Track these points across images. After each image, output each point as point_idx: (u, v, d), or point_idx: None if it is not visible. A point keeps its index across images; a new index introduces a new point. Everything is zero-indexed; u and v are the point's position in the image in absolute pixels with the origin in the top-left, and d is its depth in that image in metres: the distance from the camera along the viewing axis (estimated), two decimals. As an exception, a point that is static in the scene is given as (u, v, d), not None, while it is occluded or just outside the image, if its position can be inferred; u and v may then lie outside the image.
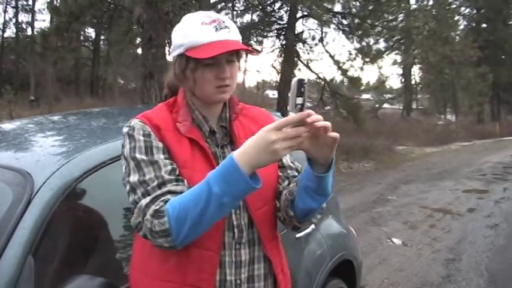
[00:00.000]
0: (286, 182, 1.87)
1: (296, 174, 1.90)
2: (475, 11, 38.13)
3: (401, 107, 41.47)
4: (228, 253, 1.73)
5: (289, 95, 1.53)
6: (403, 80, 41.37)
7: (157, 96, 11.26)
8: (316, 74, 22.44)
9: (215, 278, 1.70)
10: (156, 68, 11.42)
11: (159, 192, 1.60)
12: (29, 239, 1.79)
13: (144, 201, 1.59)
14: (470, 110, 37.23)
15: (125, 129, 1.71)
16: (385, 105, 38.16)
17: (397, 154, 19.20)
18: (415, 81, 43.39)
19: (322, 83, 22.78)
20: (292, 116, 1.48)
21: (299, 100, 1.50)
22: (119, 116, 3.50)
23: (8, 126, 3.27)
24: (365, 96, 31.24)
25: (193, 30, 1.68)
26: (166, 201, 1.57)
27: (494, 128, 32.82)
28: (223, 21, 1.70)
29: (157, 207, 1.56)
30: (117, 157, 2.26)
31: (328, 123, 1.52)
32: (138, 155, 1.65)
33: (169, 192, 1.60)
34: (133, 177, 1.63)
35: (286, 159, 1.93)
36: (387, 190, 11.20)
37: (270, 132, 1.48)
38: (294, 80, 1.50)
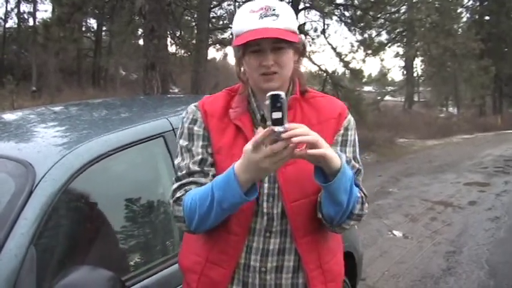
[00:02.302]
0: None
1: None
2: (478, 4, 37.96)
3: (403, 100, 41.40)
4: (257, 239, 1.77)
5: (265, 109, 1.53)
6: (405, 72, 41.26)
7: (159, 87, 11.26)
8: (318, 66, 22.40)
9: (236, 261, 1.79)
10: (158, 59, 11.40)
11: (185, 180, 1.76)
12: (31, 230, 1.80)
13: (174, 186, 1.78)
14: (472, 103, 37.16)
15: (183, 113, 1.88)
16: (387, 98, 38.10)
17: (399, 146, 19.19)
18: (417, 74, 43.24)
19: (324, 75, 22.73)
20: (259, 134, 1.48)
21: (276, 115, 1.46)
22: (120, 107, 3.51)
23: (9, 116, 3.27)
24: (367, 88, 31.16)
25: (240, 18, 1.72)
26: (188, 191, 1.73)
27: (496, 120, 32.75)
28: (274, 9, 1.69)
29: (180, 194, 1.74)
30: (119, 148, 2.27)
31: (307, 139, 1.51)
32: (181, 141, 1.83)
33: (194, 182, 1.75)
34: (176, 160, 1.83)
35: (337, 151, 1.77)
36: (388, 182, 11.20)
37: (251, 153, 1.50)
38: (268, 95, 1.47)
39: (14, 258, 1.73)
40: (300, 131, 1.49)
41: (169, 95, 10.97)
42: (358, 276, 3.97)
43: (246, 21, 1.70)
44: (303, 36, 1.82)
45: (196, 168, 1.76)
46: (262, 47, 1.68)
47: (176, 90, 25.09)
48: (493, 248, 6.49)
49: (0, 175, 2.03)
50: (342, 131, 1.83)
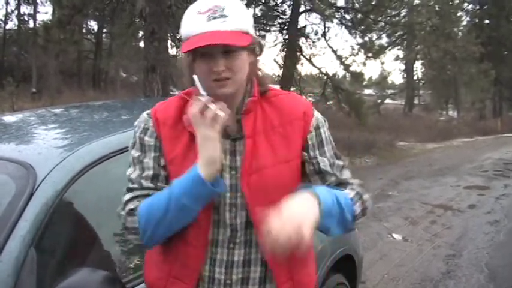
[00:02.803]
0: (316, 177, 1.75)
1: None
2: (478, 7, 38.01)
3: (403, 103, 41.41)
4: (220, 251, 1.69)
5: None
6: (405, 75, 41.35)
7: (159, 90, 11.27)
8: (319, 68, 22.49)
9: (198, 274, 1.70)
10: (158, 61, 11.42)
11: (139, 193, 1.66)
12: (31, 232, 1.80)
13: (126, 197, 1.67)
14: (472, 106, 37.19)
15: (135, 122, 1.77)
16: (387, 101, 38.16)
17: (399, 150, 19.18)
18: (418, 77, 43.27)
19: (325, 77, 22.78)
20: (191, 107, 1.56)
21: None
22: (120, 109, 3.51)
23: (10, 118, 3.28)
24: (367, 91, 31.27)
25: (187, 21, 1.59)
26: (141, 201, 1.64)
27: (495, 124, 32.75)
28: (223, 9, 1.55)
29: (133, 206, 1.64)
30: (119, 150, 2.27)
31: (286, 236, 1.42)
32: (132, 151, 1.72)
33: (148, 195, 1.65)
34: (128, 171, 1.71)
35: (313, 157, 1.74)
36: (388, 186, 11.19)
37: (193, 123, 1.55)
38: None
39: (15, 260, 1.73)
40: (279, 233, 1.41)
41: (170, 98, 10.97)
42: (358, 279, 3.97)
43: (193, 25, 1.57)
44: (255, 34, 1.67)
45: (149, 184, 1.67)
46: (211, 51, 1.55)
47: (177, 93, 25.07)
48: (492, 252, 6.49)
49: (1, 177, 2.03)
50: (313, 132, 1.72)
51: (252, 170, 1.65)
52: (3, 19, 33.19)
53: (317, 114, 1.75)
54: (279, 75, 21.91)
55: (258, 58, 1.71)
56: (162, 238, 1.66)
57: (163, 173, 1.69)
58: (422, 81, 43.31)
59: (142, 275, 2.21)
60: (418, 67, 42.26)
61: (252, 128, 1.68)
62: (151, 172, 1.68)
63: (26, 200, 1.86)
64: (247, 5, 22.81)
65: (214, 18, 1.54)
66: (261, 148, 1.66)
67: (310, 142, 1.72)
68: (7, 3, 33.06)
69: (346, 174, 1.78)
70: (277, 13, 22.62)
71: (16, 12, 33.66)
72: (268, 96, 1.74)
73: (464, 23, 36.43)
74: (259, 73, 1.75)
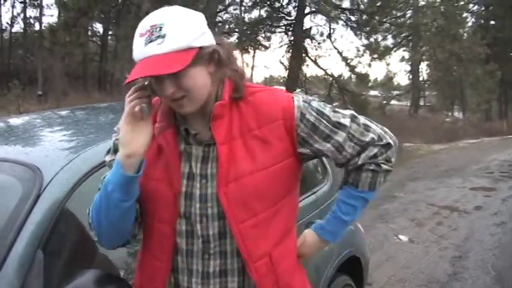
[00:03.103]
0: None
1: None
2: (483, 8, 37.96)
3: (408, 104, 41.34)
4: (196, 262, 1.65)
5: None
6: (410, 76, 41.26)
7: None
8: (324, 70, 22.49)
9: (165, 286, 1.69)
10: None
11: None
12: (38, 234, 1.80)
13: (95, 199, 1.65)
14: (478, 108, 37.08)
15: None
16: (393, 102, 38.12)
17: (405, 151, 19.11)
18: (423, 78, 43.21)
19: (330, 79, 22.78)
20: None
21: None
22: (126, 112, 3.51)
23: (16, 121, 3.29)
24: (373, 92, 31.26)
25: (133, 43, 1.51)
26: None
27: (501, 125, 32.68)
28: (160, 28, 1.45)
29: None
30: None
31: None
32: (106, 157, 1.73)
33: None
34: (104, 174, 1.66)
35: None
36: (394, 187, 11.15)
37: None
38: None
39: (22, 262, 1.73)
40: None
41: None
42: (364, 280, 3.97)
43: (135, 49, 1.50)
44: (210, 39, 1.56)
45: None
46: (158, 76, 1.49)
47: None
48: (499, 253, 6.47)
49: (8, 179, 2.03)
50: (302, 125, 1.62)
51: (230, 178, 1.57)
52: (10, 22, 33.33)
53: (298, 102, 1.63)
54: (284, 77, 21.96)
55: (224, 62, 1.58)
56: (110, 236, 1.65)
57: None
58: (428, 83, 43.25)
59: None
60: (424, 68, 42.27)
61: (226, 133, 1.59)
62: None
63: (32, 202, 1.86)
64: (253, 7, 22.89)
65: (151, 41, 1.45)
66: (239, 154, 1.59)
67: (302, 137, 1.63)
68: (13, 6, 33.19)
69: (358, 129, 1.68)
70: (283, 14, 22.66)
71: (22, 15, 33.77)
72: (244, 95, 1.64)
73: (470, 24, 36.44)
74: (232, 76, 1.62)
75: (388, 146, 1.72)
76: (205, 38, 1.53)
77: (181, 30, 1.46)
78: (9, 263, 1.73)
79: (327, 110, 1.67)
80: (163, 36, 1.44)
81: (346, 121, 1.67)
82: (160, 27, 1.45)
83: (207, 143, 1.62)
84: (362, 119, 1.72)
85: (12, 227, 1.80)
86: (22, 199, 1.89)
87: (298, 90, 22.00)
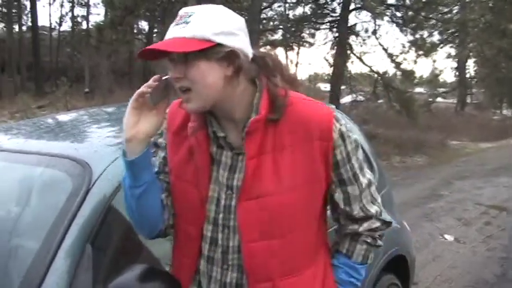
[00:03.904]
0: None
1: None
2: (534, 3, 36.99)
3: (455, 101, 40.59)
4: (215, 269, 1.64)
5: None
6: (457, 73, 40.47)
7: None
8: (369, 67, 22.23)
9: (190, 282, 1.69)
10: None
11: None
12: (88, 228, 1.83)
13: None
14: (528, 105, 36.23)
15: None
16: (439, 99, 37.40)
17: (451, 149, 18.84)
18: (470, 75, 42.36)
19: (375, 76, 22.52)
20: None
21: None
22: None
23: (65, 117, 3.35)
24: (418, 89, 30.69)
25: None
26: None
27: (552, 123, 31.82)
28: (190, 15, 1.47)
29: None
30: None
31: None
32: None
33: None
34: None
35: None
36: (440, 185, 10.99)
37: None
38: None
39: (72, 256, 1.76)
40: None
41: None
42: (410, 279, 3.92)
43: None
44: (242, 46, 1.51)
45: None
46: (172, 57, 1.50)
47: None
48: (550, 254, 6.30)
49: (59, 174, 2.07)
50: (338, 150, 1.58)
51: (252, 195, 1.54)
52: (58, 21, 34.10)
53: (339, 125, 1.57)
54: (329, 74, 21.80)
55: (238, 72, 1.52)
56: (140, 224, 1.69)
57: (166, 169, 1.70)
58: (475, 80, 42.38)
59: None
60: (471, 65, 41.40)
61: (258, 148, 1.55)
62: (156, 169, 1.68)
63: (82, 197, 1.89)
64: (297, 4, 22.80)
65: (177, 24, 1.48)
66: (266, 171, 1.54)
67: (338, 158, 1.59)
68: (62, 5, 33.91)
69: (367, 193, 1.69)
70: (327, 11, 22.49)
71: (70, 14, 34.51)
72: (289, 102, 1.57)
73: (520, 19, 35.50)
74: (271, 89, 1.55)
75: (388, 224, 1.74)
76: (231, 39, 1.48)
77: (204, 21, 1.46)
78: (59, 256, 1.75)
79: (360, 153, 1.65)
80: (188, 23, 1.45)
81: (364, 181, 1.67)
82: (190, 15, 1.47)
83: (236, 152, 1.59)
84: (373, 188, 1.71)
85: (63, 221, 1.83)
86: (72, 194, 1.92)
87: (343, 87, 21.86)
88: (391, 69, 23.63)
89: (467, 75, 41.69)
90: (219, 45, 1.45)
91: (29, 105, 18.18)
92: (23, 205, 2.24)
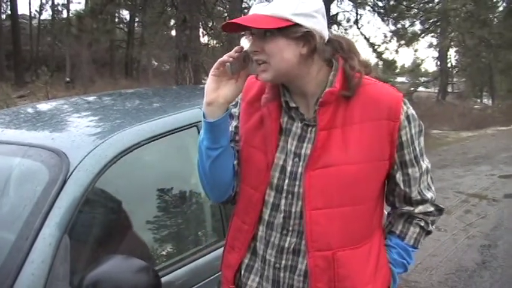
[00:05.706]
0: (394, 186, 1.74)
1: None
2: (515, -7, 37.25)
3: (436, 91, 40.84)
4: (274, 234, 1.70)
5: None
6: (438, 63, 40.66)
7: (191, 78, 11.29)
8: (351, 56, 22.23)
9: (246, 248, 1.78)
10: (190, 49, 11.43)
11: None
12: (65, 219, 1.81)
13: None
14: (508, 94, 36.50)
15: None
16: (420, 89, 37.56)
17: (432, 138, 18.94)
18: (451, 65, 42.64)
19: (357, 65, 22.56)
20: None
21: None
22: (153, 97, 3.51)
23: (44, 106, 3.31)
24: (400, 79, 30.80)
25: None
26: None
27: (532, 112, 32.14)
28: None
29: None
30: (152, 138, 2.26)
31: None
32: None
33: None
34: None
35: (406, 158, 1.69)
36: (421, 174, 11.05)
37: None
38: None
39: (49, 247, 1.74)
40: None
41: (201, 86, 11.01)
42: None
43: None
44: (318, 28, 1.58)
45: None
46: (253, 31, 1.59)
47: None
48: (529, 242, 6.37)
49: (35, 164, 2.04)
50: (403, 131, 1.64)
51: (319, 164, 1.60)
52: (38, 10, 33.71)
53: (407, 108, 1.65)
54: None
55: (314, 52, 1.59)
56: (211, 187, 1.78)
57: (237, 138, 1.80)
58: (456, 69, 42.68)
59: (176, 262, 2.22)
60: (452, 54, 41.66)
61: (329, 120, 1.61)
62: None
63: (59, 187, 1.87)
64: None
65: (260, 1, 1.57)
66: (334, 143, 1.60)
67: (402, 139, 1.64)
68: (41, -6, 33.51)
69: (423, 181, 1.76)
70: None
71: (50, 2, 34.15)
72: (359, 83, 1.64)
73: (501, 8, 35.70)
74: (347, 69, 1.62)
75: (441, 211, 1.82)
76: (309, 21, 1.56)
77: (286, 1, 1.53)
78: (36, 247, 1.73)
79: (422, 139, 1.72)
80: (269, 1, 1.54)
81: (424, 166, 1.74)
82: None
83: (307, 123, 1.66)
84: (430, 176, 1.80)
85: (40, 212, 1.81)
86: (49, 184, 1.89)
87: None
88: (373, 59, 23.62)
89: (449, 65, 41.96)
90: (297, 25, 1.54)
91: (8, 95, 17.93)
92: (-1, 196, 2.20)
